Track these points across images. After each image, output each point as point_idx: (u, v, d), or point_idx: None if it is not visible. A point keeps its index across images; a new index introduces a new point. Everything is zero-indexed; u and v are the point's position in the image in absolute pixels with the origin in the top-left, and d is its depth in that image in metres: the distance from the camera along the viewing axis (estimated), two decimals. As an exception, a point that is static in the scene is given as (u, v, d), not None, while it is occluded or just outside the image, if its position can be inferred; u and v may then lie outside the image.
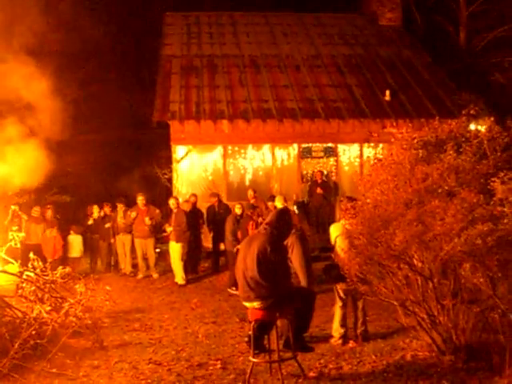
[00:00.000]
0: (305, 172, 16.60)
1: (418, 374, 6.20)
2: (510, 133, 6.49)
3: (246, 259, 6.21)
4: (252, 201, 13.29)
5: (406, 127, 7.33)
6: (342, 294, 7.64)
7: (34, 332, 7.22)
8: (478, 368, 6.10)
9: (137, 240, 13.84)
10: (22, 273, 9.09)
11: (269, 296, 6.08)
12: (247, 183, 16.14)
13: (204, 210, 14.33)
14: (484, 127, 6.71)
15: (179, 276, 12.81)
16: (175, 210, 13.10)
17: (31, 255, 9.27)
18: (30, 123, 10.86)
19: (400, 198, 5.94)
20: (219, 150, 16.23)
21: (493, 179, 5.20)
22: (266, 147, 16.34)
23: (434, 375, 6.10)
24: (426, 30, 23.83)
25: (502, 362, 5.86)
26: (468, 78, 20.35)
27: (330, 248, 7.89)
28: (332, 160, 16.66)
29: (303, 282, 7.12)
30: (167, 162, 18.08)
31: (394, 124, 15.16)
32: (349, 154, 16.68)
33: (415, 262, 6.13)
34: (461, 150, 6.05)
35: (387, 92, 16.81)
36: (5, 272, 9.55)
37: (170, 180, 17.85)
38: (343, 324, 7.67)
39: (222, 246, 13.30)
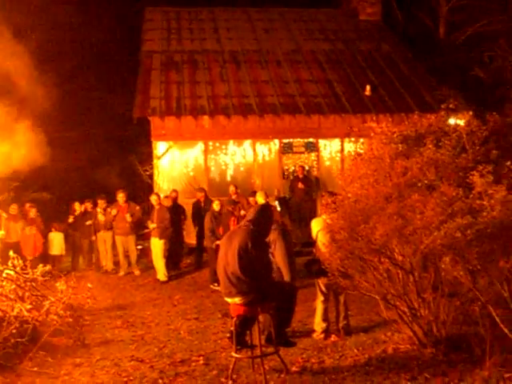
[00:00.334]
0: (286, 167, 16.62)
1: (399, 367, 6.23)
2: (488, 127, 6.55)
3: (227, 255, 6.21)
4: (233, 196, 13.28)
5: (386, 122, 7.34)
6: (323, 289, 7.66)
7: (14, 331, 7.15)
8: (459, 360, 6.15)
9: (118, 237, 13.77)
10: (1, 271, 9.00)
11: (250, 291, 6.08)
12: (228, 179, 16.12)
13: (186, 206, 14.30)
14: (463, 121, 6.74)
15: (161, 273, 12.77)
16: (157, 207, 13.05)
17: (11, 253, 9.18)
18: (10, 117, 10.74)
19: (380, 192, 5.97)
20: (200, 145, 16.19)
21: (472, 173, 5.24)
22: (247, 143, 16.33)
23: (416, 368, 6.14)
24: (406, 25, 23.95)
25: (482, 354, 5.92)
26: (448, 72, 20.48)
27: (311, 243, 7.91)
28: (313, 155, 16.69)
29: (287, 277, 7.12)
30: (148, 158, 18.02)
31: (375, 119, 15.21)
32: (330, 148, 16.72)
33: (396, 255, 6.16)
34: (440, 144, 6.08)
35: (367, 87, 16.87)
36: (-16, 271, 9.46)
37: (150, 176, 17.79)
38: (325, 318, 7.69)
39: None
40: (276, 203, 14.49)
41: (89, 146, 21.02)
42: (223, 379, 6.26)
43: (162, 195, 14.08)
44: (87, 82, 22.18)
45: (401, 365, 6.30)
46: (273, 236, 7.12)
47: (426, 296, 6.33)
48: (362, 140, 15.59)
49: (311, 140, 16.58)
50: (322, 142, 16.69)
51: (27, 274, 8.89)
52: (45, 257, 13.50)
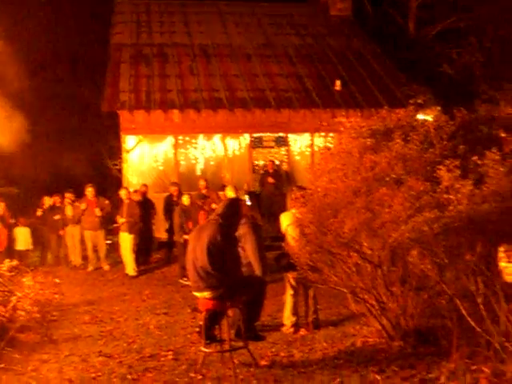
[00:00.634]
0: (256, 162, 16.61)
1: (367, 360, 6.27)
2: (456, 122, 6.63)
3: (196, 249, 6.19)
4: (203, 191, 13.24)
5: (355, 117, 7.39)
6: (293, 283, 7.68)
7: (-20, 327, 7.06)
8: (427, 353, 6.22)
9: (87, 232, 13.63)
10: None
11: (219, 286, 6.07)
12: (198, 173, 16.05)
13: (155, 201, 14.22)
14: (431, 116, 6.81)
15: (130, 267, 12.69)
16: (126, 201, 12.95)
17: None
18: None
19: (349, 187, 5.99)
20: (170, 139, 16.08)
21: (439, 167, 5.28)
22: (217, 137, 16.28)
23: (384, 360, 6.18)
24: (377, 21, 24.05)
25: (449, 347, 5.98)
26: (417, 68, 20.65)
27: (281, 237, 7.92)
28: (283, 149, 16.72)
29: (257, 271, 7.13)
30: (118, 152, 17.87)
31: (344, 114, 15.28)
32: (300, 143, 16.75)
33: (364, 249, 6.20)
34: (408, 138, 6.13)
35: (337, 82, 16.93)
36: None
37: (120, 170, 17.64)
38: (294, 312, 7.72)
39: (176, 237, 13.24)
40: (246, 197, 14.46)
41: (57, 140, 20.76)
42: (192, 374, 6.23)
43: (131, 189, 13.98)
44: (57, 73, 21.88)
45: (369, 358, 6.35)
46: (243, 230, 7.12)
47: (394, 289, 6.38)
48: (331, 135, 15.70)
49: (281, 134, 16.59)
50: (292, 137, 16.71)
51: (-7, 269, 8.80)
52: (11, 252, 13.31)
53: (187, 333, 7.94)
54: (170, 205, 13.53)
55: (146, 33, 19.08)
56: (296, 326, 7.68)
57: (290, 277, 7.65)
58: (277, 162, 16.27)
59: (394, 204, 5.34)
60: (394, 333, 6.59)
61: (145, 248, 13.80)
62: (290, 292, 7.75)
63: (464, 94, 16.09)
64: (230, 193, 10.36)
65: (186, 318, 8.77)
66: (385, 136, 6.41)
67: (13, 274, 8.91)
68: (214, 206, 11.37)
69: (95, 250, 13.73)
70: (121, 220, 12.85)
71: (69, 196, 14.20)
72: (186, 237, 10.71)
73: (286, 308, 7.80)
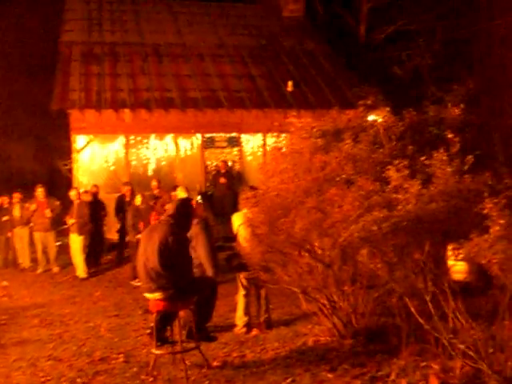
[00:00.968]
0: (208, 162, 16.55)
1: (319, 359, 6.33)
2: (405, 123, 6.73)
3: (147, 250, 6.14)
4: (155, 191, 13.14)
5: (307, 117, 7.44)
6: (244, 283, 7.68)
7: None
8: (377, 350, 6.30)
9: (36, 233, 13.38)
10: None
11: (170, 287, 6.03)
12: (150, 173, 15.91)
13: (107, 201, 14.03)
14: (381, 117, 6.90)
15: (80, 269, 12.50)
16: (76, 202, 12.75)
17: None
18: None
19: (299, 187, 6.03)
20: (121, 139, 15.88)
21: (388, 167, 5.35)
22: (169, 137, 16.16)
23: (335, 359, 6.24)
24: (329, 23, 24.25)
25: (398, 344, 6.08)
26: (368, 70, 20.91)
27: (233, 237, 7.92)
28: (235, 150, 16.71)
29: (209, 272, 7.11)
30: (68, 152, 17.56)
31: (296, 114, 15.36)
32: (252, 143, 16.78)
33: (316, 249, 6.24)
34: (358, 139, 6.20)
35: (289, 83, 17.01)
36: None
37: (70, 171, 17.35)
38: (246, 312, 7.72)
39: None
40: (198, 198, 14.42)
41: (5, 139, 20.33)
42: (143, 376, 6.18)
43: (82, 190, 13.77)
44: (6, 71, 21.43)
45: (321, 356, 6.40)
46: (194, 231, 7.09)
47: (345, 288, 6.45)
48: (283, 135, 15.72)
49: (233, 135, 16.57)
50: (244, 137, 16.72)
51: None
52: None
53: (138, 335, 7.86)
54: (122, 205, 13.37)
55: (97, 31, 18.80)
56: (248, 326, 7.68)
57: (242, 277, 7.65)
58: (229, 163, 16.24)
59: (344, 204, 5.39)
60: (345, 331, 6.67)
61: (95, 249, 13.60)
62: (241, 292, 7.75)
63: (414, 95, 16.34)
64: (181, 193, 10.31)
65: (138, 320, 8.69)
66: (335, 136, 6.47)
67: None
68: (166, 206, 11.28)
69: (45, 252, 13.47)
70: (70, 221, 12.63)
71: (17, 196, 13.90)
72: (138, 237, 10.62)
73: (238, 308, 7.80)
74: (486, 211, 4.59)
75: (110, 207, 13.88)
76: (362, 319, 6.58)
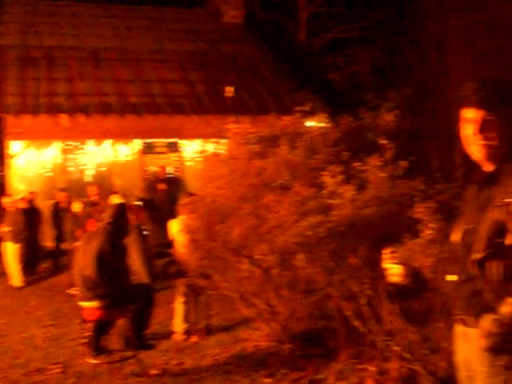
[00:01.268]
0: (148, 168, 16.40)
1: (258, 364, 6.35)
2: (340, 129, 6.82)
3: (85, 258, 6.06)
4: (93, 198, 12.92)
5: (246, 123, 7.47)
6: (183, 290, 7.64)
7: None
8: (316, 354, 6.37)
9: (-30, 242, 12.99)
10: None
11: (107, 295, 5.96)
12: (88, 180, 15.65)
13: (44, 208, 13.73)
14: (317, 123, 6.98)
15: (16, 278, 12.18)
16: (11, 209, 12.43)
17: None
18: None
19: (236, 193, 6.04)
20: (58, 145, 15.57)
21: (323, 173, 5.41)
22: (108, 143, 15.94)
23: (274, 364, 6.28)
24: (269, 29, 24.40)
25: (336, 348, 6.14)
26: (307, 76, 21.12)
27: (171, 244, 7.88)
28: (175, 156, 16.61)
29: (144, 279, 7.05)
30: (2, 157, 17.12)
31: (235, 120, 15.38)
32: (192, 149, 16.70)
33: (253, 254, 6.25)
34: (294, 145, 6.24)
35: (229, 88, 17.02)
36: None
37: (4, 177, 16.90)
38: (186, 319, 7.69)
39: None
40: (137, 204, 14.26)
41: None
42: (80, 387, 6.08)
43: (18, 197, 13.43)
44: None
45: (260, 362, 6.42)
46: (129, 238, 7.02)
47: (283, 293, 6.48)
48: (223, 141, 15.71)
49: (173, 140, 16.48)
50: (183, 143, 16.63)
51: None
52: None
53: (75, 344, 7.67)
54: (58, 212, 13.10)
55: (33, 34, 18.41)
56: (187, 332, 7.64)
57: (180, 284, 7.61)
58: (169, 168, 16.12)
59: (280, 209, 5.42)
60: (284, 336, 6.70)
61: (31, 257, 13.27)
62: (180, 299, 7.71)
63: (351, 101, 16.59)
64: (115, 199, 10.20)
65: (75, 330, 8.46)
66: (272, 142, 6.50)
67: None
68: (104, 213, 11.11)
69: (-22, 261, 13.09)
70: (4, 229, 12.31)
71: None
72: (76, 244, 10.42)
73: (176, 315, 7.75)
74: (417, 215, 4.68)
75: (47, 214, 13.56)
76: (300, 323, 6.64)
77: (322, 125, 6.96)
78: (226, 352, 6.93)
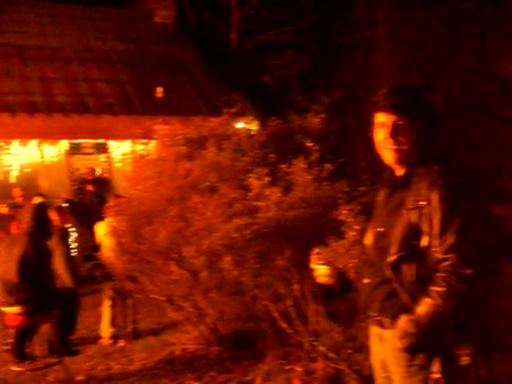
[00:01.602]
0: (75, 169, 16.04)
1: (186, 367, 6.33)
2: (268, 131, 6.86)
3: (6, 261, 5.88)
4: (18, 199, 12.57)
5: (176, 124, 7.42)
6: (110, 293, 7.54)
7: None
8: (244, 356, 6.39)
9: None
10: None
11: (30, 300, 5.81)
12: (13, 181, 15.16)
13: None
14: (246, 125, 7.00)
15: None
16: None
17: None
18: None
19: (163, 195, 6.00)
20: (-19, 145, 15.07)
21: (249, 175, 5.43)
22: (34, 143, 15.49)
23: (202, 367, 6.28)
24: (200, 30, 24.32)
25: (264, 349, 6.17)
26: (238, 78, 21.17)
27: (98, 247, 7.76)
28: (103, 157, 16.32)
29: (69, 283, 6.89)
30: None
31: (164, 121, 15.22)
32: (121, 150, 16.43)
33: (181, 257, 6.21)
34: (222, 147, 6.24)
35: (159, 89, 16.87)
36: None
37: None
38: (113, 323, 7.58)
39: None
40: (64, 206, 13.94)
41: None
42: (2, 395, 5.90)
43: None
44: None
45: (188, 365, 6.40)
46: (53, 240, 6.86)
47: (211, 295, 6.46)
48: (152, 142, 15.56)
49: (101, 141, 16.17)
50: (112, 144, 16.33)
51: None
52: None
53: (-2, 352, 7.49)
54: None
55: (-45, 31, 17.76)
56: (114, 337, 7.54)
57: (107, 287, 7.49)
58: (97, 170, 15.83)
59: (206, 211, 5.41)
60: (212, 338, 6.70)
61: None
62: (107, 303, 7.60)
63: (281, 104, 16.73)
64: (36, 200, 9.99)
65: (-3, 336, 8.26)
66: (199, 144, 6.48)
67: None
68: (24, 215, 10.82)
69: None
70: None
71: None
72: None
73: (103, 319, 7.63)
74: (341, 217, 4.75)
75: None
76: (228, 325, 6.64)
77: (251, 127, 6.95)
78: (153, 356, 6.87)
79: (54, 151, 15.58)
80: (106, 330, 7.57)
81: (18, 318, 5.92)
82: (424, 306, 2.49)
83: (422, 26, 16.54)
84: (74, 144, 15.80)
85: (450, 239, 2.45)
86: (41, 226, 6.10)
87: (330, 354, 5.30)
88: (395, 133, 2.65)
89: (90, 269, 7.58)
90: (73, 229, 10.86)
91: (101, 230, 7.47)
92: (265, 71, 21.83)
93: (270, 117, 7.35)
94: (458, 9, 15.42)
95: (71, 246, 8.49)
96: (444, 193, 2.48)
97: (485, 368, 4.55)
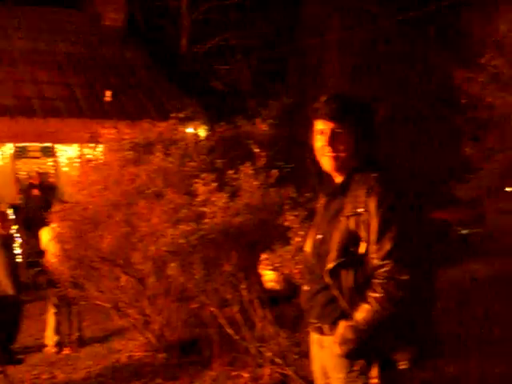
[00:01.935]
0: (21, 173, 15.68)
1: (132, 375, 6.27)
2: (215, 136, 6.85)
3: None
4: (-40, 205, 12.23)
5: (123, 128, 7.34)
6: (54, 301, 7.41)
7: None
8: (191, 362, 6.35)
9: None
10: None
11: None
12: (-43, 185, 14.78)
13: None
14: (193, 130, 6.97)
15: None
16: None
17: None
18: None
19: (108, 200, 5.92)
20: None
21: (196, 181, 5.40)
22: (-22, 146, 15.15)
23: (149, 374, 6.21)
24: (151, 34, 24.14)
25: (211, 355, 6.15)
26: (189, 82, 21.10)
27: (43, 253, 7.62)
28: (50, 160, 16.01)
29: (10, 291, 6.73)
30: None
31: (114, 125, 15.05)
32: (68, 154, 16.16)
33: (126, 263, 6.14)
34: (169, 152, 6.19)
35: (108, 93, 16.67)
36: None
37: None
38: (57, 331, 7.46)
39: None
40: (9, 211, 13.62)
41: None
42: None
43: None
44: None
45: (134, 372, 6.34)
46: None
47: (158, 302, 6.41)
48: (100, 146, 15.34)
49: (48, 145, 15.87)
50: (59, 147, 16.04)
51: None
52: None
53: None
54: None
55: None
56: (59, 345, 7.42)
57: (52, 294, 7.36)
58: (43, 174, 15.51)
59: (152, 217, 5.36)
60: (159, 345, 6.64)
61: None
62: (51, 310, 7.47)
63: (231, 109, 16.73)
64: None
65: None
66: (146, 149, 6.42)
67: None
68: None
69: None
70: None
71: None
72: None
73: (48, 327, 7.50)
74: (287, 223, 4.77)
75: None
76: (175, 332, 6.59)
77: (200, 132, 6.93)
78: (99, 364, 6.78)
79: (-1, 154, 15.24)
80: (50, 337, 7.45)
81: (-42, 327, 5.78)
82: (362, 312, 2.51)
83: (374, 33, 16.80)
84: (19, 147, 15.46)
85: (387, 246, 2.48)
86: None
87: (277, 360, 5.31)
88: (333, 140, 2.67)
89: (34, 275, 7.44)
90: (17, 234, 10.61)
91: (45, 235, 7.33)
92: (215, 76, 21.80)
93: (219, 122, 7.34)
94: (410, 16, 15.73)
95: (16, 252, 8.26)
96: (381, 200, 2.51)
97: (429, 372, 4.64)
